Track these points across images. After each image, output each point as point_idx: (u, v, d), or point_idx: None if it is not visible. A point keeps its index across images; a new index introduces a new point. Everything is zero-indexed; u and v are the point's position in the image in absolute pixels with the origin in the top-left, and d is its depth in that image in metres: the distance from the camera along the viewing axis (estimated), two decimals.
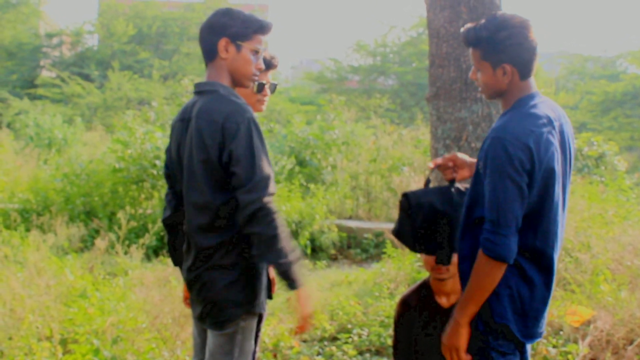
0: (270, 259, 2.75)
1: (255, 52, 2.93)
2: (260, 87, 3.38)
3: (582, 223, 6.62)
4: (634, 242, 5.99)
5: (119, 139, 9.88)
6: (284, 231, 2.74)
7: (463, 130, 4.04)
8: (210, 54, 2.93)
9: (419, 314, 3.47)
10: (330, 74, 28.36)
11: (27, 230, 8.13)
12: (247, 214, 2.72)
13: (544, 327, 2.79)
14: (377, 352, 5.20)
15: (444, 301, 3.43)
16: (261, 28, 2.94)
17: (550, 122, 2.61)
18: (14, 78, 26.30)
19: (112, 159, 9.85)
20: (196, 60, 27.75)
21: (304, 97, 27.82)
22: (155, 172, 9.31)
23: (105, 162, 10.04)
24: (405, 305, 3.51)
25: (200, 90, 2.94)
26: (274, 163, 10.38)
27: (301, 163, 11.13)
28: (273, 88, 3.47)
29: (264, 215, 2.71)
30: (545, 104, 2.68)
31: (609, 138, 17.30)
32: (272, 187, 2.76)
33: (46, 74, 27.15)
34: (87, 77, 25.67)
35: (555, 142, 2.60)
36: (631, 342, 4.80)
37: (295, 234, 9.01)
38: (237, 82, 2.96)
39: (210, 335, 2.92)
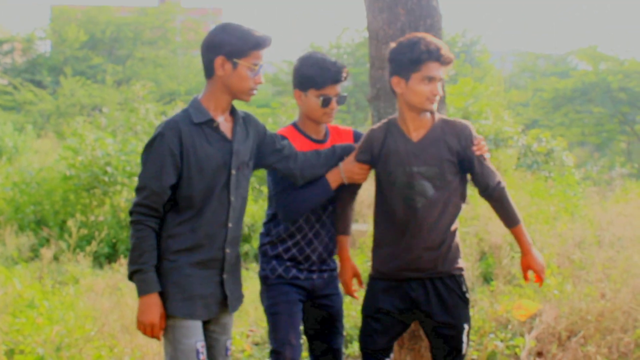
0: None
1: (255, 68, 3.04)
2: (327, 102, 3.44)
3: (526, 218, 6.74)
4: (577, 236, 6.12)
5: (69, 146, 9.78)
6: (141, 241, 2.91)
7: None
8: (207, 71, 3.05)
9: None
10: (285, 76, 28.32)
11: None
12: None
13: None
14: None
15: None
16: (258, 44, 3.03)
17: None
18: None
19: (63, 167, 9.74)
20: (150, 65, 27.54)
21: (260, 99, 27.74)
22: (106, 178, 9.23)
23: (56, 170, 9.92)
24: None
25: None
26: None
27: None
28: (342, 100, 3.52)
29: (131, 220, 2.97)
30: None
31: (561, 134, 17.59)
32: (145, 199, 2.93)
33: None
34: (39, 84, 25.30)
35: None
36: (575, 334, 4.91)
37: (248, 237, 9.01)
38: (235, 97, 3.09)
39: None
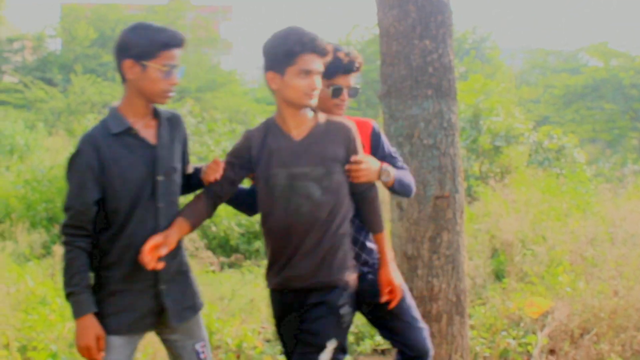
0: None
1: (165, 69, 2.86)
2: (337, 92, 3.27)
3: (538, 215, 6.72)
4: (589, 233, 6.10)
5: None
6: (71, 263, 2.83)
7: (415, 127, 4.09)
8: (121, 75, 2.90)
9: None
10: None
11: None
12: None
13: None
14: (342, 349, 5.22)
15: None
16: (165, 45, 2.85)
17: None
18: None
19: None
20: None
21: (270, 97, 27.70)
22: None
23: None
24: None
25: None
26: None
27: None
28: (354, 92, 3.31)
29: (62, 242, 2.88)
30: None
31: (571, 131, 17.52)
32: (71, 219, 2.84)
33: (8, 79, 26.79)
34: (50, 82, 25.36)
35: None
36: (588, 332, 4.89)
37: (259, 234, 9.02)
38: (150, 100, 2.93)
39: None
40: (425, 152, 4.09)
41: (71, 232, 2.83)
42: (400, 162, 3.36)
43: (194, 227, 3.04)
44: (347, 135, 3.06)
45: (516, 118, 11.01)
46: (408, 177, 3.27)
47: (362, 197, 3.13)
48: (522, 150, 10.46)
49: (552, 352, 4.93)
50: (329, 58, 3.02)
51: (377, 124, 3.41)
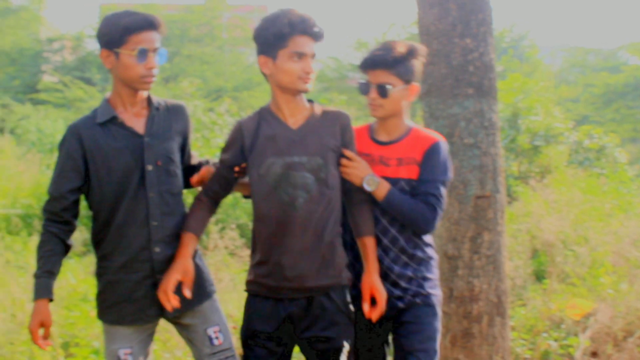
0: None
1: (135, 53, 2.80)
2: (362, 88, 3.07)
3: (579, 216, 6.64)
4: (632, 233, 6.01)
5: None
6: (40, 246, 2.88)
7: (455, 126, 4.06)
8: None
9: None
10: (331, 72, 28.38)
11: (30, 235, 8.15)
12: None
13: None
14: None
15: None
16: (128, 30, 2.79)
17: None
18: (16, 84, 26.30)
19: None
20: (197, 62, 27.78)
21: (306, 96, 27.76)
22: None
23: None
24: None
25: None
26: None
27: None
28: (381, 91, 3.00)
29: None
30: None
31: (612, 130, 17.27)
32: (47, 204, 2.89)
33: (48, 79, 27.15)
34: (88, 81, 25.63)
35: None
36: (631, 334, 4.82)
37: None
38: (131, 87, 2.88)
39: None
40: (465, 151, 4.06)
41: (46, 217, 2.89)
42: (433, 196, 2.96)
43: (200, 234, 2.98)
44: (343, 124, 2.94)
45: (555, 117, 10.87)
46: (413, 207, 2.95)
47: (348, 195, 2.99)
48: (561, 149, 10.33)
49: (594, 354, 4.86)
50: (322, 41, 2.86)
51: (445, 144, 3.08)
